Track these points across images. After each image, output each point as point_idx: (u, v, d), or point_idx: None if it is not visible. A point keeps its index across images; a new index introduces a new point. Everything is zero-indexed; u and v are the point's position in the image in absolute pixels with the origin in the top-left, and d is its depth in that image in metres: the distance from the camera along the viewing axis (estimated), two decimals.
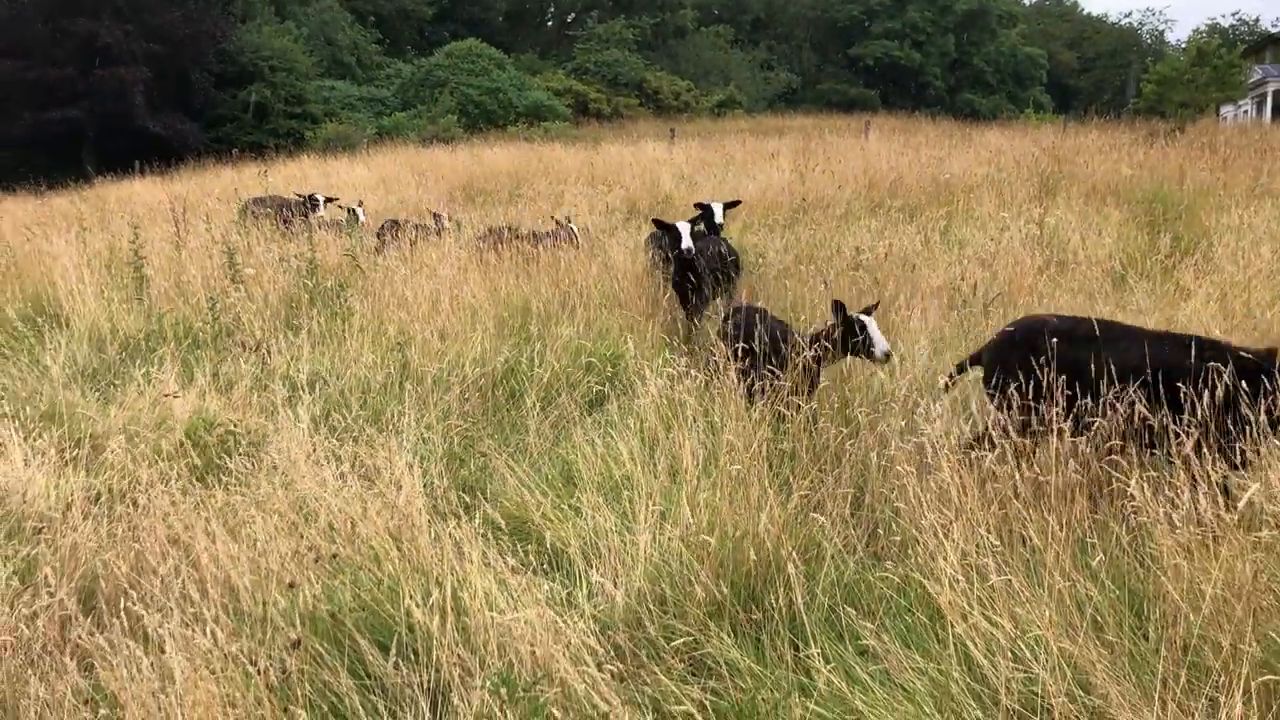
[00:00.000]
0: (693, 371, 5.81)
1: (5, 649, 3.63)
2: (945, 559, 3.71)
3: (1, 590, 4.10)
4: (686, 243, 8.07)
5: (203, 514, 5.00)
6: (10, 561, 4.51)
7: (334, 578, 4.24)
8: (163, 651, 3.41)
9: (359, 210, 13.88)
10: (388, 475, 5.26)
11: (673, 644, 3.90)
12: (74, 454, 6.38)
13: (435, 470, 5.73)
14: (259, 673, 3.54)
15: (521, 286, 8.67)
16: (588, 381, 7.03)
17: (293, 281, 9.52)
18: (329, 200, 14.52)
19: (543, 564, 4.85)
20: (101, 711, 3.24)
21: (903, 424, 4.89)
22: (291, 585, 4.16)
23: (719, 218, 9.44)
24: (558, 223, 12.13)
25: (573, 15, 71.43)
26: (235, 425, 6.54)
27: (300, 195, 14.49)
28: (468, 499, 5.60)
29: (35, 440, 6.30)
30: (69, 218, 17.08)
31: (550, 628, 3.89)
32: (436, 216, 13.04)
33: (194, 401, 7.22)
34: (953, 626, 3.52)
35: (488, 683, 3.14)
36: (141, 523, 4.71)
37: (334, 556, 4.29)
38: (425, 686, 3.61)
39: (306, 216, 13.54)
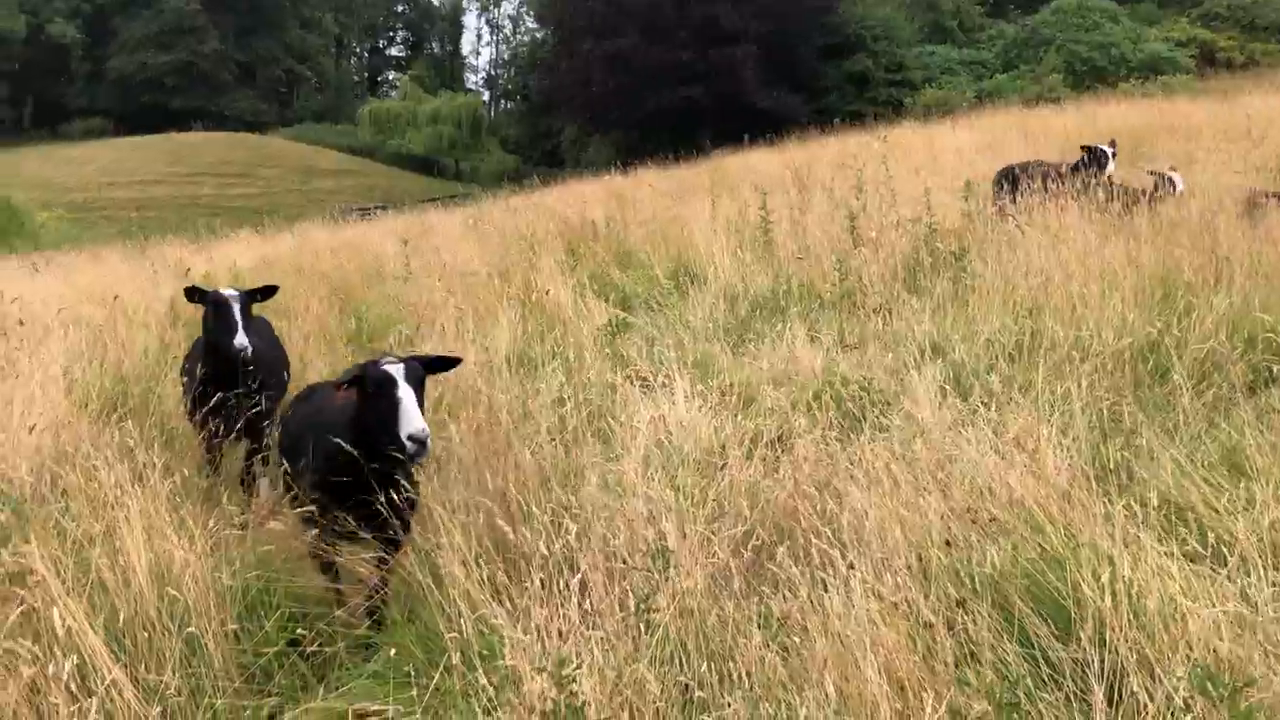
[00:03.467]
0: None
1: (701, 569, 4.04)
2: None
3: (690, 517, 4.58)
4: None
5: (850, 463, 5.24)
6: (690, 492, 5.03)
7: (991, 542, 4.19)
8: (848, 587, 3.60)
9: (1174, 177, 10.83)
10: (1029, 444, 5.11)
11: None
12: (724, 400, 7.01)
13: (1076, 443, 5.45)
14: (924, 626, 3.61)
15: (1164, 255, 7.95)
16: (1251, 359, 6.28)
17: (912, 245, 9.62)
18: (1113, 149, 11.49)
19: (1206, 558, 4.42)
20: (792, 638, 3.49)
21: None
22: (948, 543, 4.20)
23: None
24: (1158, 175, 11.01)
25: None
26: (866, 383, 6.75)
27: (1091, 148, 11.57)
28: (1115, 477, 5.28)
29: (695, 385, 7.01)
30: (695, 187, 18.82)
31: (1240, 624, 3.52)
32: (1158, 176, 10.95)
33: (823, 358, 7.59)
34: None
35: (1192, 677, 2.89)
36: (801, 467, 5.00)
37: (992, 520, 4.24)
38: (1099, 669, 3.43)
39: (1086, 177, 10.83)
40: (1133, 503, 4.52)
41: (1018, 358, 6.84)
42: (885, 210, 10.90)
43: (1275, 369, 6.04)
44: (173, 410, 7.46)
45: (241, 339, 6.02)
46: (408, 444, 4.25)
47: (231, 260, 15.22)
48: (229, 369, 6.19)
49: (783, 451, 5.75)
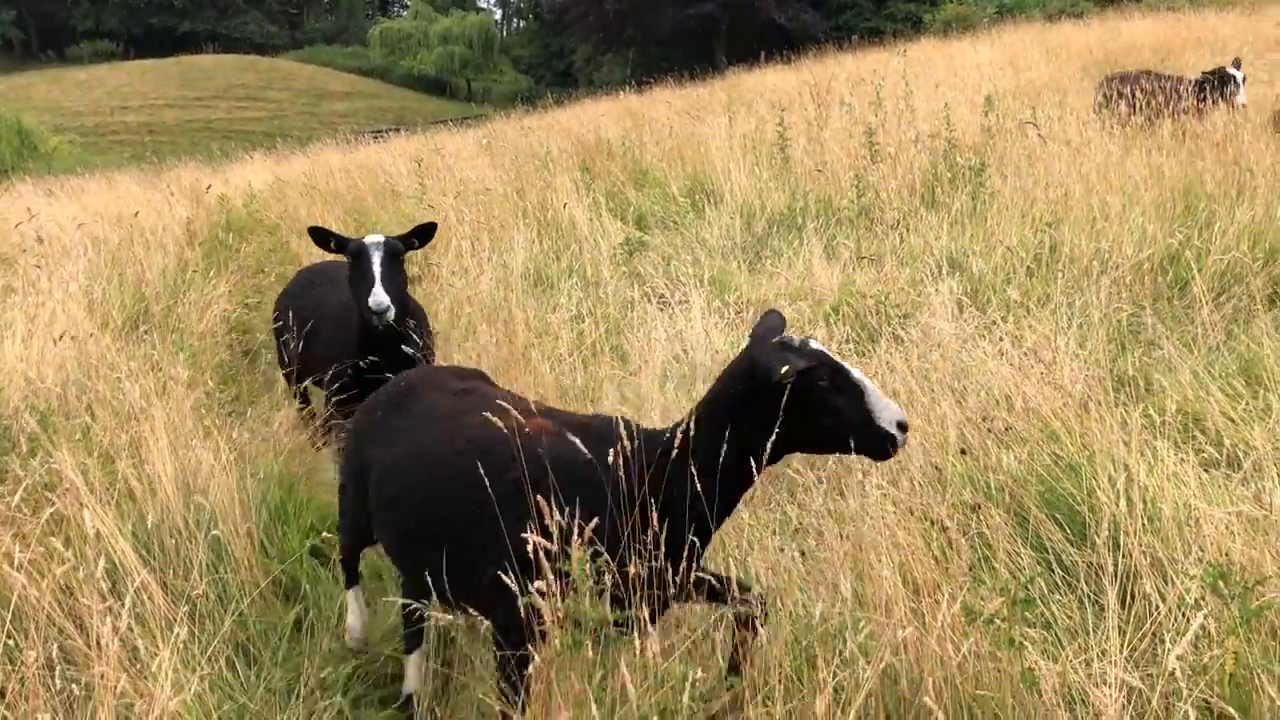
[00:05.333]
0: None
1: None
2: None
3: None
4: None
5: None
6: None
7: (1006, 450, 4.22)
8: (864, 492, 3.64)
9: (1236, 75, 10.38)
10: (1047, 355, 5.11)
11: None
12: (740, 317, 7.02)
13: (1094, 354, 5.45)
14: (939, 529, 3.65)
15: (1186, 167, 7.84)
16: (1272, 270, 6.23)
17: (930, 160, 9.51)
18: (1238, 70, 10.49)
19: (1221, 465, 4.44)
20: (808, 542, 3.54)
21: None
22: (964, 451, 4.22)
23: None
24: (1218, 73, 10.63)
25: None
26: (884, 298, 6.73)
27: (1217, 70, 10.68)
28: (1133, 387, 5.29)
29: (711, 302, 7.01)
30: (711, 106, 18.59)
31: (1254, 527, 3.55)
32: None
33: (840, 274, 7.56)
34: None
35: (1204, 577, 2.92)
36: None
37: (1008, 429, 4.26)
38: (1112, 572, 3.47)
39: (1210, 98, 10.39)
40: (1150, 411, 4.54)
41: (1036, 271, 6.80)
42: (904, 126, 10.76)
43: None
44: (193, 327, 7.52)
45: (379, 297, 4.82)
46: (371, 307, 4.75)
47: (246, 182, 15.20)
48: (367, 339, 5.08)
49: None
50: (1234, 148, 8.12)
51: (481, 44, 63.67)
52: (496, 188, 11.41)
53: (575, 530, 2.51)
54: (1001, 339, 5.39)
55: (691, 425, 2.84)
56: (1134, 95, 10.18)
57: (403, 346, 4.90)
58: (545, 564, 2.42)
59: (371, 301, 4.78)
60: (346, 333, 5.22)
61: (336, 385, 5.19)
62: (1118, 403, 4.91)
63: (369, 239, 5.01)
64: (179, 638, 3.16)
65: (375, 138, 25.14)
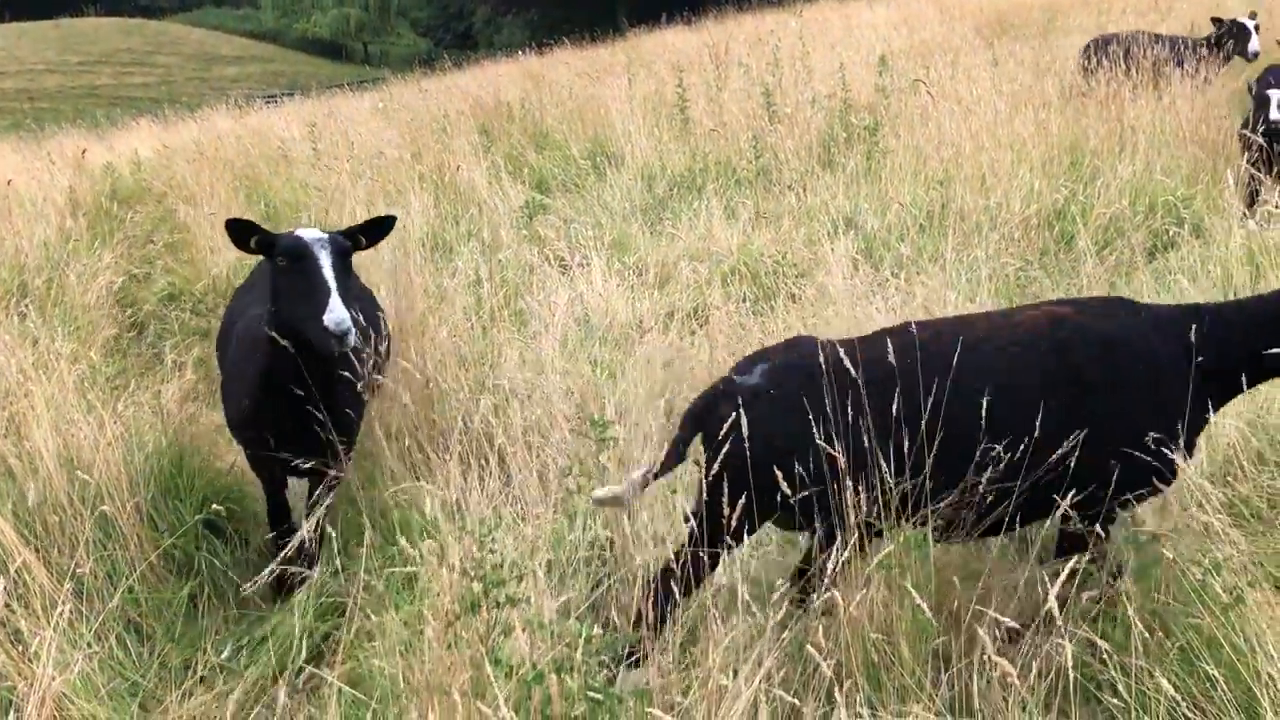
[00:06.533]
0: None
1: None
2: None
3: (603, 389, 4.63)
4: (1276, 114, 6.70)
5: (763, 333, 5.33)
6: (606, 366, 5.08)
7: None
8: None
9: (1249, 25, 9.69)
10: (937, 311, 5.23)
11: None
12: (641, 278, 7.03)
13: (983, 308, 5.59)
14: None
15: (1071, 124, 8.06)
16: (1151, 224, 6.45)
17: (826, 121, 9.61)
18: (1254, 21, 9.77)
19: None
20: None
21: None
22: None
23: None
24: (1230, 25, 9.78)
25: None
26: (781, 257, 6.81)
27: (1226, 21, 9.86)
28: None
29: (612, 264, 7.01)
30: (612, 67, 18.47)
31: None
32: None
33: (740, 234, 7.62)
34: None
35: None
36: (716, 338, 5.07)
37: None
38: None
39: (1221, 54, 9.71)
40: None
41: (928, 228, 6.94)
42: (801, 87, 10.84)
43: (1173, 232, 6.23)
44: (76, 300, 7.25)
45: (338, 315, 3.49)
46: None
47: (132, 149, 14.67)
48: (313, 367, 3.74)
49: (699, 325, 5.82)
50: (1116, 105, 8.36)
51: (378, 6, 62.32)
52: (392, 152, 11.21)
53: None
54: (894, 295, 5.51)
55: None
56: (1127, 58, 9.26)
57: (340, 373, 3.85)
58: None
59: (329, 320, 3.45)
60: (249, 360, 3.95)
61: (243, 436, 4.17)
62: None
63: (307, 234, 3.67)
64: (63, 616, 3.07)
65: (268, 103, 24.45)
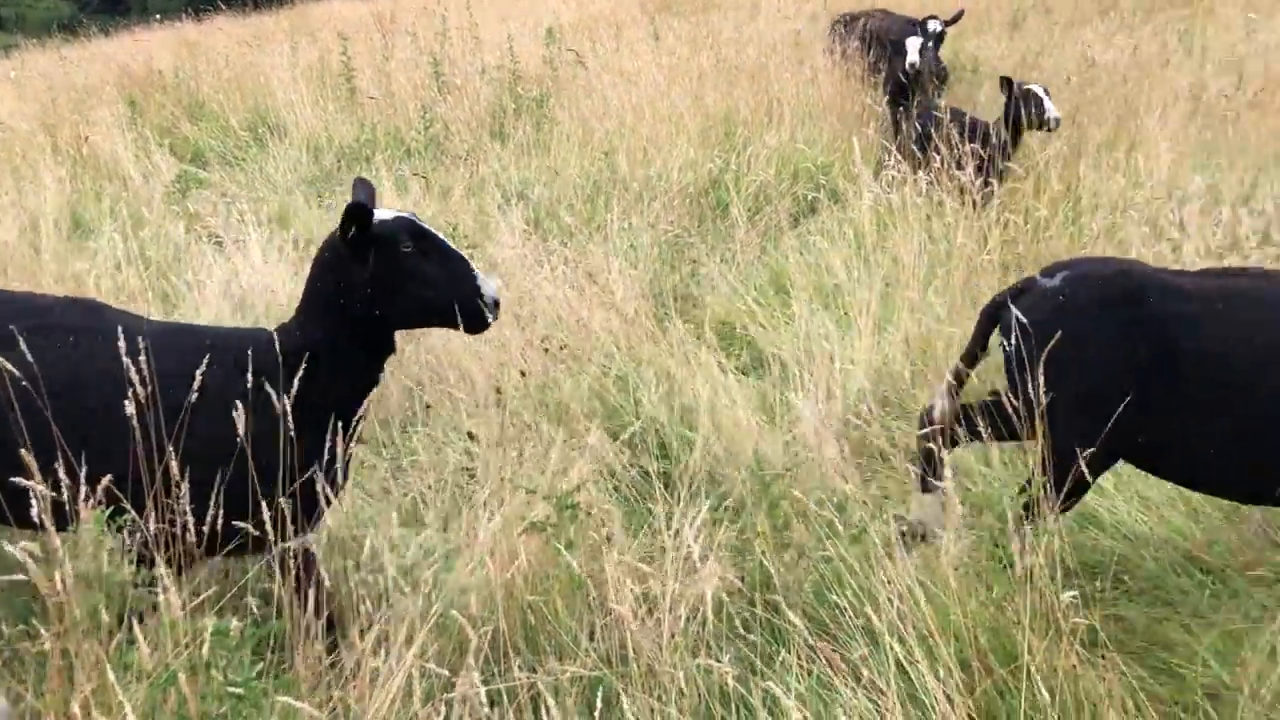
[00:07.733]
0: (917, 176, 5.60)
1: None
2: None
3: None
4: (914, 57, 7.68)
5: None
6: None
7: (559, 366, 4.39)
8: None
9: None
10: (603, 279, 5.37)
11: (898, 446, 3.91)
12: (305, 254, 6.74)
13: (645, 274, 5.80)
14: (497, 446, 3.74)
15: (725, 97, 8.47)
16: (795, 190, 6.91)
17: (496, 92, 9.59)
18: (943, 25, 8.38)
19: (756, 368, 4.92)
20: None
21: (1145, 230, 4.60)
22: (523, 374, 4.35)
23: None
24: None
25: None
26: (452, 228, 6.74)
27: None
28: (678, 303, 5.69)
29: (272, 240, 6.67)
30: (274, 34, 17.57)
31: (773, 425, 3.96)
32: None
33: (411, 205, 7.47)
34: None
35: (743, 472, 3.22)
36: None
37: (563, 347, 4.43)
38: (658, 472, 3.74)
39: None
40: (696, 326, 4.92)
41: (594, 198, 7.09)
42: (470, 58, 10.76)
43: (813, 198, 6.71)
44: None
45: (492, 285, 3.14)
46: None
47: None
48: None
49: None
50: (764, 77, 8.86)
51: None
52: (22, 125, 10.14)
53: None
54: (562, 264, 5.60)
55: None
56: (867, 38, 8.97)
57: None
58: None
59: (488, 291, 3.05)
60: None
61: None
62: (666, 317, 5.28)
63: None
64: None
65: None
